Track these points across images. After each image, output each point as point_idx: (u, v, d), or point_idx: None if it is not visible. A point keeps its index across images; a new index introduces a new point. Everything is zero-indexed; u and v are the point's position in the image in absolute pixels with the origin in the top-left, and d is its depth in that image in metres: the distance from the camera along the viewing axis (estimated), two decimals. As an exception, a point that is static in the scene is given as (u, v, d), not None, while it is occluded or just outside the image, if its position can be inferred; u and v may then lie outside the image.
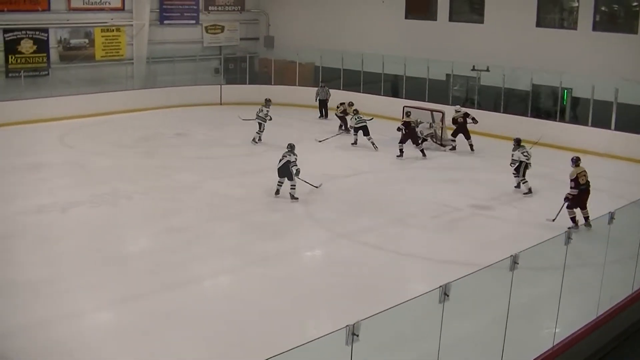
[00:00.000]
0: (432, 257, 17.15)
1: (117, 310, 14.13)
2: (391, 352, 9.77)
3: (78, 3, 34.90)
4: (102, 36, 36.08)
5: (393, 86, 36.40)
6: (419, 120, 28.08)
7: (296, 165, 21.01)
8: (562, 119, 30.79)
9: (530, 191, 22.40)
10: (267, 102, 29.22)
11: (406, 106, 29.56)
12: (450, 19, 35.52)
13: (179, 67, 38.12)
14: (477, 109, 31.81)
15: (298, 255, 17.72)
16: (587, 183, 18.95)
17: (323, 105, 34.05)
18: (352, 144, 28.50)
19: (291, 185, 21.22)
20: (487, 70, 31.62)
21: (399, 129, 27.06)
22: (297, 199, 21.23)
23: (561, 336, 12.18)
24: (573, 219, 18.77)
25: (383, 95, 34.60)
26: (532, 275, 11.98)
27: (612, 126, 28.40)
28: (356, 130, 28.57)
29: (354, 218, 19.98)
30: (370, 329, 8.00)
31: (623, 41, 29.62)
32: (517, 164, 22.53)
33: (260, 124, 28.83)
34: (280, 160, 21.24)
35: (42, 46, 34.13)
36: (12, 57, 33.32)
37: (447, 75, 34.15)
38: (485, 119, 29.00)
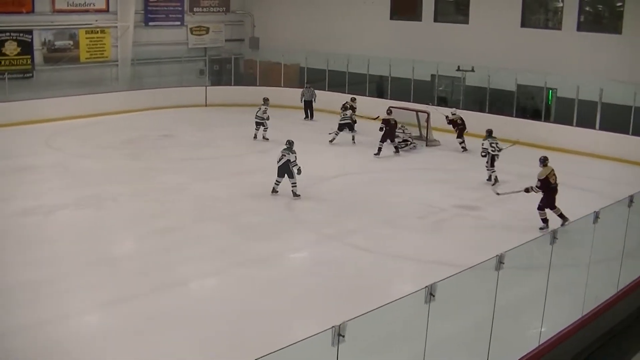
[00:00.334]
0: (418, 258, 17.19)
1: (107, 313, 14.09)
2: (377, 353, 9.79)
3: (62, 5, 34.77)
4: (87, 38, 35.96)
5: (378, 87, 36.43)
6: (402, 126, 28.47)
7: (297, 165, 21.13)
8: (547, 119, 30.87)
9: (496, 180, 23.22)
10: (265, 101, 29.51)
11: (391, 107, 29.62)
12: (435, 20, 35.60)
13: (164, 69, 38.09)
14: (462, 109, 31.87)
15: (286, 257, 17.71)
16: (556, 184, 19.14)
17: (308, 106, 34.04)
18: (330, 141, 28.92)
19: (292, 184, 21.37)
20: (472, 70, 31.69)
21: (380, 129, 27.32)
22: (299, 196, 21.42)
23: (547, 335, 12.22)
24: (544, 220, 18.97)
25: (368, 96, 34.59)
26: (517, 275, 12.00)
27: (597, 126, 28.53)
28: (341, 127, 28.73)
29: (342, 219, 20.00)
30: (356, 330, 8.01)
31: (607, 41, 29.76)
32: (485, 154, 23.43)
33: (257, 124, 29.14)
34: (279, 160, 21.35)
35: (26, 48, 33.98)
36: (-4, 59, 33.23)
37: (432, 76, 34.22)
38: (470, 120, 29.05)
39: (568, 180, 24.01)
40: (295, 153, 21.32)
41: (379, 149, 27.10)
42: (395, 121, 27.31)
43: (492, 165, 23.57)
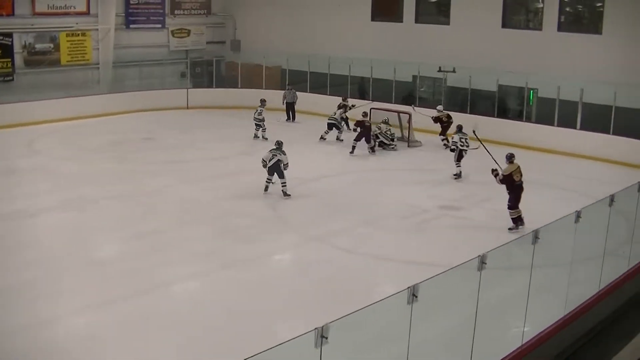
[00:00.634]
0: (402, 259, 17.21)
1: (92, 316, 14.01)
2: (361, 354, 9.81)
3: (43, 8, 34.56)
4: (68, 41, 35.79)
5: (360, 88, 36.44)
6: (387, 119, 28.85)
7: (287, 165, 21.51)
8: (529, 119, 31.00)
9: (459, 175, 23.99)
10: (262, 103, 29.98)
11: (373, 108, 29.68)
12: (417, 21, 35.66)
13: (145, 72, 38.00)
14: (444, 110, 31.96)
15: (269, 259, 17.69)
16: (521, 181, 19.24)
17: (290, 107, 34.04)
18: (320, 138, 29.40)
19: (282, 183, 21.56)
20: (454, 71, 31.75)
21: (354, 130, 27.89)
22: (289, 195, 21.57)
23: (530, 335, 12.26)
24: (514, 220, 19.19)
25: (350, 98, 34.60)
26: (500, 275, 12.05)
27: (578, 126, 28.68)
28: (329, 126, 28.99)
29: (325, 221, 20.01)
30: (340, 331, 8.02)
31: (588, 41, 29.92)
32: (454, 148, 24.10)
33: (257, 125, 29.52)
34: (270, 159, 21.51)
35: (6, 51, 33.74)
36: (-25, 63, 33.07)
37: (414, 77, 34.31)
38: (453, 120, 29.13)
39: (549, 179, 24.28)
40: (285, 154, 21.54)
41: (353, 148, 27.53)
42: (369, 123, 27.52)
43: (459, 160, 24.15)
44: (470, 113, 30.59)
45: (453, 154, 24.42)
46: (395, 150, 28.51)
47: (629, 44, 28.69)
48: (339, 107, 30.80)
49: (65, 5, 35.36)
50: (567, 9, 31.80)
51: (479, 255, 10.47)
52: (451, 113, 29.57)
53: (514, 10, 33.42)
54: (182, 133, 31.47)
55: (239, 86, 38.55)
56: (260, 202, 21.28)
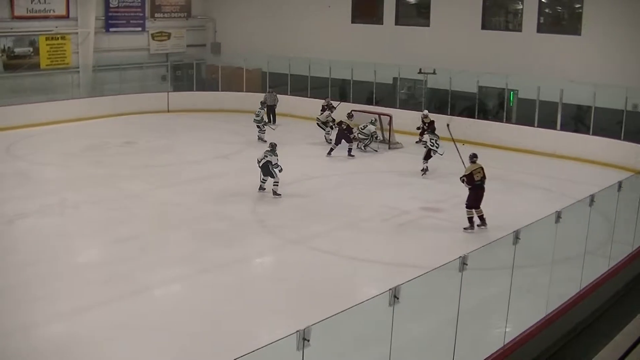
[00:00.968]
0: (383, 261, 17.22)
1: (72, 322, 13.93)
2: (343, 356, 9.79)
3: (22, 11, 34.40)
4: (47, 44, 35.62)
5: (340, 90, 36.41)
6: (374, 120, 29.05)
7: (278, 166, 21.84)
8: (509, 120, 31.08)
9: (425, 171, 24.89)
10: (262, 104, 30.37)
11: (353, 110, 29.68)
12: (397, 23, 35.75)
13: (125, 75, 37.83)
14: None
15: (249, 263, 17.67)
16: (482, 180, 19.33)
17: (271, 110, 34.02)
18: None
19: (274, 183, 21.89)
20: (434, 73, 31.82)
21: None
22: (279, 195, 21.87)
23: (512, 335, 12.28)
24: (470, 219, 19.35)
25: (331, 100, 34.57)
26: (481, 276, 12.05)
27: (558, 126, 28.80)
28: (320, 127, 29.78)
29: (305, 224, 20.01)
30: (321, 334, 8.00)
31: (567, 42, 30.05)
32: (425, 146, 24.83)
33: (257, 127, 29.60)
34: (261, 160, 21.89)
35: (-15, 55, 33.69)
36: (-46, 67, 32.86)
37: (394, 79, 34.36)
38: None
39: (530, 180, 24.39)
40: (277, 156, 21.86)
41: (330, 149, 27.80)
42: (347, 125, 27.56)
43: (426, 158, 25.02)
44: (450, 114, 30.62)
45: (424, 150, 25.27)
46: (376, 151, 28.59)
47: (607, 44, 28.85)
48: (324, 109, 30.80)
49: (45, 8, 35.20)
50: (547, 10, 31.94)
51: (460, 256, 10.47)
52: (432, 114, 29.60)
53: (493, 11, 33.54)
54: (162, 137, 31.38)
55: (220, 89, 38.49)
56: (240, 205, 21.25)
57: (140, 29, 40.02)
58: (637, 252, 17.13)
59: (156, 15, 40.69)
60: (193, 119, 35.09)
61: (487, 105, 32.48)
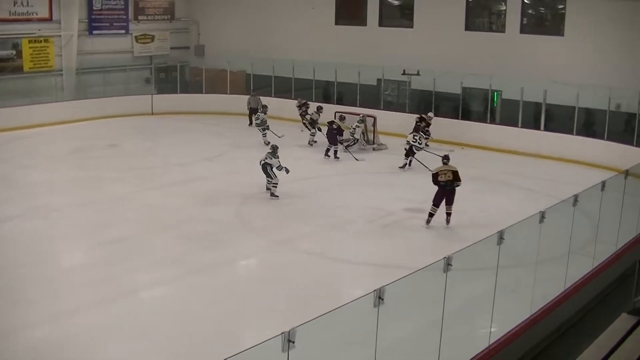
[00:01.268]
0: (368, 262, 17.24)
1: (58, 325, 13.87)
2: (328, 358, 9.81)
3: (4, 14, 34.21)
4: (30, 47, 35.42)
5: (324, 92, 36.43)
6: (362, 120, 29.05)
7: (283, 168, 22.06)
8: (493, 121, 31.17)
9: (403, 166, 25.90)
10: (264, 108, 30.36)
11: (337, 112, 29.70)
12: (380, 24, 35.80)
13: (109, 78, 37.71)
14: (409, 112, 32.14)
15: (235, 264, 17.67)
16: (447, 183, 19.55)
17: (254, 113, 34.01)
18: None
19: (273, 184, 22.06)
20: (418, 74, 31.87)
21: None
22: (277, 197, 21.98)
23: (497, 335, 12.32)
24: (430, 215, 19.73)
25: (315, 102, 34.54)
26: (466, 276, 12.09)
27: (542, 126, 28.91)
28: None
29: (290, 225, 20.02)
30: (307, 336, 8.01)
31: (550, 43, 30.18)
32: (408, 145, 25.54)
33: (261, 129, 29.64)
34: (261, 161, 22.02)
35: (-32, 59, 33.51)
36: None
37: (378, 80, 34.39)
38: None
39: (514, 180, 24.48)
40: (278, 158, 22.01)
41: (327, 150, 27.79)
42: (338, 126, 27.53)
43: (406, 155, 26.07)
44: (435, 115, 30.67)
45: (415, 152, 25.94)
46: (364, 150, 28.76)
47: (590, 45, 28.97)
48: (300, 108, 31.05)
49: (28, 11, 35.01)
50: (530, 11, 32.08)
51: (444, 257, 10.50)
52: (415, 115, 29.69)
53: (476, 13, 33.65)
54: (147, 139, 31.34)
55: (204, 91, 38.45)
56: (225, 207, 21.22)
57: (123, 31, 39.85)
58: (620, 251, 17.23)
59: (139, 17, 40.55)
60: (177, 121, 35.03)
61: (471, 106, 32.55)
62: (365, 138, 29.42)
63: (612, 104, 27.50)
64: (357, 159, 27.43)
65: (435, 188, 19.69)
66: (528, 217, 13.14)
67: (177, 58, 41.45)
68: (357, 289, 13.69)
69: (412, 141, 25.77)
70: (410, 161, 26.08)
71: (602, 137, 27.37)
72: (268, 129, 29.58)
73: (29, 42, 35.34)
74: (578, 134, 27.96)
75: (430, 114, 29.41)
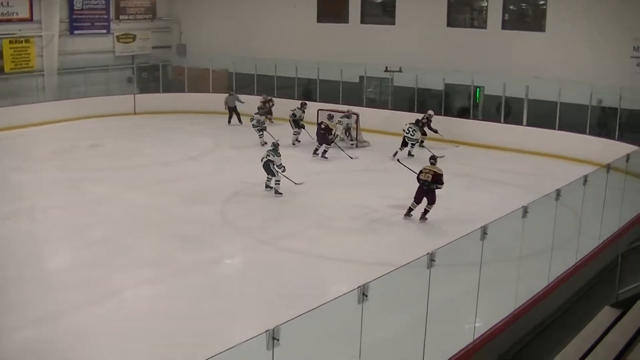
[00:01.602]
0: (353, 259, 17.25)
1: (42, 328, 13.80)
2: (314, 355, 9.82)
3: (-16, 15, 34.15)
4: (11, 48, 35.20)
5: (307, 90, 36.41)
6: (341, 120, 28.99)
7: (282, 167, 22.18)
8: (476, 117, 31.26)
9: (394, 154, 26.19)
10: (259, 109, 30.05)
11: (320, 109, 29.72)
12: (362, 22, 35.82)
13: (91, 78, 37.55)
14: (392, 109, 32.22)
15: (220, 264, 17.67)
16: (424, 182, 19.82)
17: (233, 111, 34.08)
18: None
19: (275, 181, 22.16)
20: (400, 71, 31.87)
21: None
22: (281, 194, 22.16)
23: (481, 330, 12.38)
24: (409, 209, 20.15)
25: (297, 100, 34.49)
26: (450, 272, 12.12)
27: (524, 122, 29.02)
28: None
29: (275, 224, 20.05)
30: (291, 333, 8.02)
31: (532, 39, 30.29)
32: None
33: (257, 130, 29.36)
34: (262, 159, 22.19)
35: (-53, 60, 33.30)
36: None
37: (361, 77, 34.39)
38: (399, 120, 29.31)
39: (497, 176, 24.54)
40: (280, 156, 22.19)
41: (315, 149, 27.78)
42: (326, 126, 27.51)
43: (401, 146, 26.89)
44: (417, 112, 30.72)
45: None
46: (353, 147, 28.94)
47: (572, 40, 29.10)
48: (265, 105, 31.94)
49: (8, 12, 34.79)
50: (511, 7, 32.16)
51: (428, 253, 10.53)
52: (398, 112, 29.80)
53: (458, 9, 33.71)
54: (129, 139, 31.25)
55: (186, 90, 38.37)
56: (209, 207, 21.20)
57: (105, 31, 39.67)
58: (603, 245, 17.33)
59: (121, 17, 40.40)
60: (160, 120, 34.95)
61: (454, 102, 32.63)
62: (348, 135, 29.38)
63: (594, 99, 27.63)
64: (351, 157, 27.45)
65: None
66: (511, 212, 13.19)
67: (159, 57, 41.32)
68: (341, 286, 13.69)
69: (405, 132, 26.53)
70: (409, 152, 26.96)
71: (584, 132, 27.51)
72: (265, 129, 29.29)
73: (10, 42, 35.11)
74: (560, 129, 28.05)
75: (430, 112, 29.35)
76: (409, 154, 26.71)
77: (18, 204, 21.28)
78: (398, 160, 23.29)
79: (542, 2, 30.80)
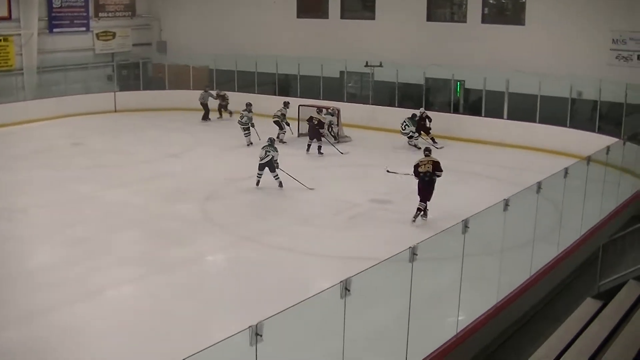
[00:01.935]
0: (336, 254, 17.27)
1: (23, 327, 13.72)
2: (297, 350, 9.82)
3: (-38, 13, 33.92)
4: (-10, 47, 35.16)
5: (287, 85, 36.35)
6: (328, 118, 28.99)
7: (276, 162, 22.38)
8: (457, 111, 31.33)
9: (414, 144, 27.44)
10: (247, 106, 29.38)
11: (302, 105, 29.71)
12: (342, 17, 35.81)
13: (71, 76, 37.41)
14: (372, 104, 32.24)
15: (202, 261, 17.60)
16: (426, 174, 19.52)
17: (205, 108, 34.11)
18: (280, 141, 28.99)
19: (274, 176, 22.43)
20: (380, 65, 31.90)
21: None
22: (281, 186, 22.50)
23: (464, 324, 12.41)
24: (419, 210, 19.60)
25: (278, 95, 34.46)
26: (432, 266, 12.16)
27: (505, 115, 29.12)
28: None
29: (257, 220, 20.05)
30: (274, 329, 8.02)
31: (511, 33, 30.40)
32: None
33: (244, 129, 28.93)
34: (264, 157, 22.26)
35: None
36: None
37: (341, 73, 34.39)
38: (380, 115, 29.38)
39: (478, 169, 24.62)
40: (277, 151, 22.46)
41: (308, 146, 27.78)
42: (318, 120, 27.49)
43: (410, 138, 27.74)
44: (398, 107, 30.77)
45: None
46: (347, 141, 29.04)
47: (551, 33, 29.24)
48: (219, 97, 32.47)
49: (-14, 11, 34.69)
50: (491, 1, 32.28)
51: (410, 247, 10.54)
52: (379, 107, 29.82)
53: (438, 3, 33.81)
54: (110, 137, 31.15)
55: (167, 88, 38.29)
56: (190, 204, 21.17)
57: (84, 29, 39.45)
58: (584, 237, 17.41)
59: (100, 14, 40.18)
60: (141, 118, 34.86)
61: (435, 96, 32.69)
62: (331, 131, 29.35)
63: (574, 92, 27.77)
64: (341, 152, 27.49)
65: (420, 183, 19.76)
66: (492, 205, 13.22)
67: (139, 55, 41.22)
68: (324, 282, 13.71)
69: (402, 128, 27.51)
70: (415, 145, 27.57)
71: (564, 125, 27.63)
72: (253, 126, 28.83)
73: (-12, 41, 34.98)
74: (541, 122, 28.16)
75: (421, 109, 29.35)
76: (416, 146, 27.20)
77: (-1, 204, 21.20)
78: (387, 170, 23.15)
79: (521, -4, 30.96)
